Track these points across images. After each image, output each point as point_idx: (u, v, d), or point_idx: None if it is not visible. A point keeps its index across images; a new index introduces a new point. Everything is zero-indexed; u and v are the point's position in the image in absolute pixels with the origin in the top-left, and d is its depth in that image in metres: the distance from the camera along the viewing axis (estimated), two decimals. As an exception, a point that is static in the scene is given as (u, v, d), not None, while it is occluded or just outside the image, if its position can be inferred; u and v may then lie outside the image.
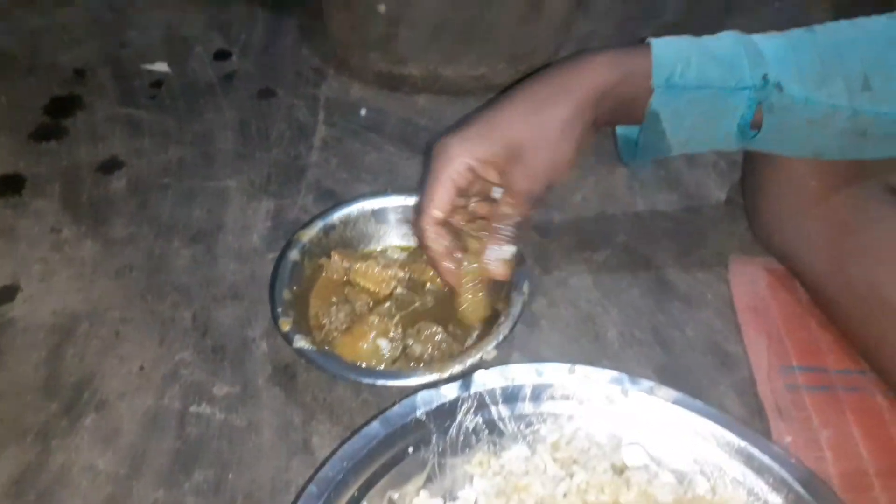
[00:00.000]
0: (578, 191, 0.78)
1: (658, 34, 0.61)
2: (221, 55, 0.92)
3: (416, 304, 0.65)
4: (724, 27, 1.01)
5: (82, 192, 0.76)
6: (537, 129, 0.57)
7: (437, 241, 0.59)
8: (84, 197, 0.75)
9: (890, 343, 0.61)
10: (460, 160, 0.57)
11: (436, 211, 0.58)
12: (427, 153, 0.63)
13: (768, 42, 0.60)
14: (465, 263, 0.60)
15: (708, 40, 0.60)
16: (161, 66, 0.90)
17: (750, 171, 0.71)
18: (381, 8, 0.82)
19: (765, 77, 0.58)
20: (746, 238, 0.73)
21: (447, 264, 0.60)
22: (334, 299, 0.64)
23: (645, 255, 0.73)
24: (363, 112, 0.85)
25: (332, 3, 0.87)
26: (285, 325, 0.59)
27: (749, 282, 0.71)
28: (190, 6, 0.99)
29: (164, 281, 0.68)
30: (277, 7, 0.99)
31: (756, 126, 0.60)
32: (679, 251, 0.73)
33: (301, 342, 0.58)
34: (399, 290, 0.66)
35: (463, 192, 0.58)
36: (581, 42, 0.96)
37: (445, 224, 0.59)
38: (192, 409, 0.59)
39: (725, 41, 0.60)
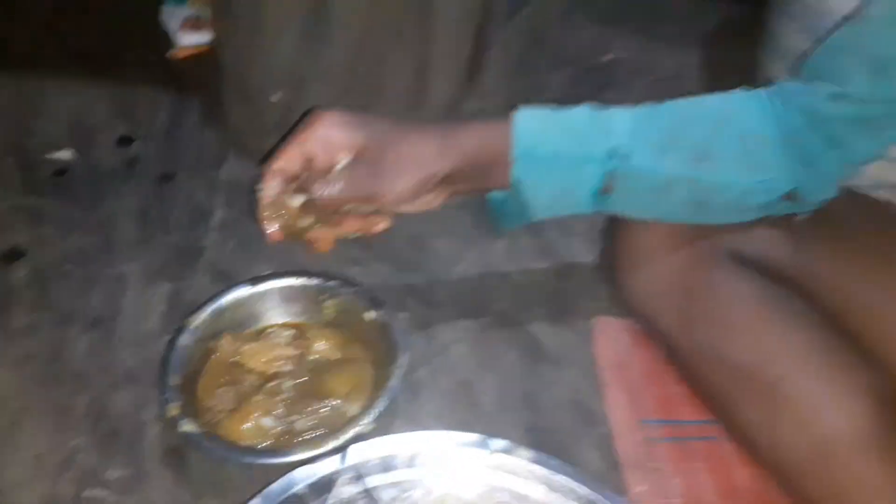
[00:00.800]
0: (461, 262, 0.84)
1: None
2: (125, 141, 0.97)
3: (304, 380, 0.70)
4: (603, 100, 1.09)
5: (-17, 283, 0.80)
6: (400, 146, 0.63)
7: (269, 188, 0.64)
8: (-14, 288, 0.79)
9: (732, 398, 0.67)
10: (322, 130, 0.63)
11: (280, 162, 0.63)
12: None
13: (619, 116, 0.66)
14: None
15: (565, 113, 0.66)
16: (65, 154, 0.94)
17: (612, 239, 0.78)
18: (276, 97, 0.87)
19: (613, 148, 0.64)
20: (612, 301, 0.79)
21: (267, 211, 0.64)
22: (222, 380, 0.68)
23: (519, 321, 0.79)
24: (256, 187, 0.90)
25: (231, 91, 0.93)
26: (173, 411, 0.64)
27: (612, 341, 0.77)
28: (94, 93, 1.04)
29: (61, 369, 0.72)
30: (180, 94, 1.04)
31: (608, 192, 0.66)
32: (551, 316, 0.80)
33: (187, 426, 0.63)
34: (287, 367, 0.70)
35: (310, 158, 0.63)
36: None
37: (289, 181, 0.64)
38: (86, 493, 0.63)
39: (580, 114, 0.66)
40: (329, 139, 0.63)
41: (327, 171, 0.64)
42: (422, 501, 0.61)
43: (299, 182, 0.65)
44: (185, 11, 1.11)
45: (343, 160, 0.63)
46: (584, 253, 0.86)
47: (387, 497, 0.61)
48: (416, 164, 0.63)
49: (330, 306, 0.74)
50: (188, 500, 0.63)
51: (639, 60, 1.17)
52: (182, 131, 0.99)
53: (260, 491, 0.58)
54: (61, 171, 0.93)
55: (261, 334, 0.73)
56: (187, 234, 0.86)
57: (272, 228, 0.65)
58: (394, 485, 0.62)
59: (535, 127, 0.65)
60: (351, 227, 0.67)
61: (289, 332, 0.73)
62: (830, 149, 0.63)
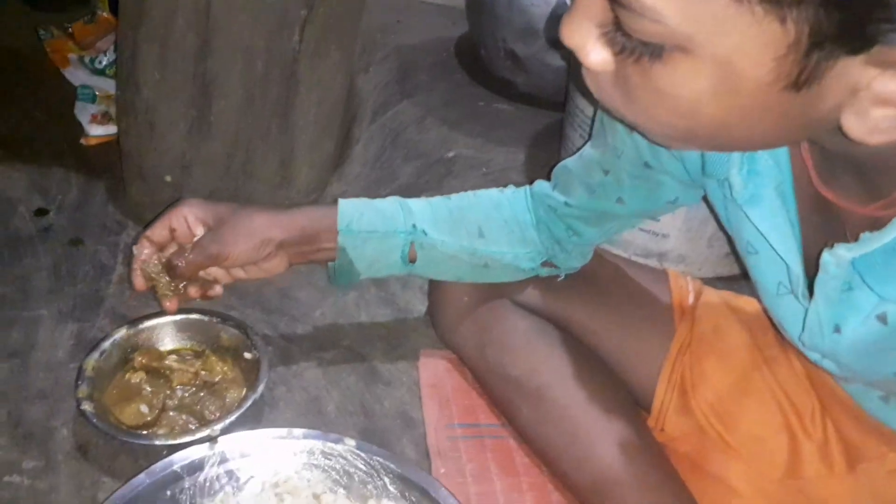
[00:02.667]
0: (318, 309, 1.06)
1: (394, 193, 0.92)
2: (41, 212, 1.15)
3: (192, 386, 0.89)
4: (444, 187, 1.36)
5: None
6: (239, 219, 0.85)
7: (141, 249, 0.86)
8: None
9: (513, 404, 0.90)
10: (182, 210, 0.85)
11: (150, 232, 0.85)
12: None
13: (419, 203, 0.91)
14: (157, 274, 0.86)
15: (377, 201, 0.90)
16: (-12, 222, 1.12)
17: (430, 291, 1.01)
18: (168, 178, 1.09)
19: (414, 225, 0.88)
20: (436, 339, 1.02)
21: (136, 266, 0.86)
22: (127, 377, 0.89)
23: (362, 353, 1.01)
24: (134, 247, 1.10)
25: (130, 172, 1.13)
26: (81, 392, 0.83)
27: (432, 367, 1.00)
28: (14, 173, 1.22)
29: (-15, 388, 0.89)
30: (88, 173, 1.23)
31: (413, 259, 0.90)
32: (387, 349, 1.02)
33: (86, 406, 0.82)
34: (182, 376, 0.90)
35: (173, 230, 0.85)
36: (333, 200, 1.26)
37: (157, 248, 0.86)
38: (5, 479, 0.80)
39: (389, 202, 0.90)
40: (187, 216, 0.85)
41: (187, 241, 0.86)
42: (270, 479, 0.81)
43: (166, 251, 0.87)
44: (95, 108, 1.31)
45: (199, 233, 0.85)
46: (419, 303, 1.09)
47: (244, 476, 0.81)
48: (251, 233, 0.85)
49: (220, 338, 0.94)
50: (88, 482, 0.81)
51: (475, 157, 1.43)
52: (90, 205, 1.18)
53: (145, 468, 0.78)
54: (-16, 236, 1.11)
55: (170, 353, 0.92)
56: (92, 286, 1.04)
57: (137, 279, 0.86)
58: (251, 466, 0.81)
59: (354, 209, 0.88)
60: (195, 294, 0.88)
61: (190, 355, 0.93)
62: (570, 235, 0.88)
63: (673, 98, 0.46)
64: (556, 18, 1.43)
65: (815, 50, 0.41)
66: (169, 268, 0.85)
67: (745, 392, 0.86)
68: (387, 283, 1.11)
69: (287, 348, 0.99)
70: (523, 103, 1.59)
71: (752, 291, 0.77)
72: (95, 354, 0.88)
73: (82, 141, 1.29)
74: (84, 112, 1.31)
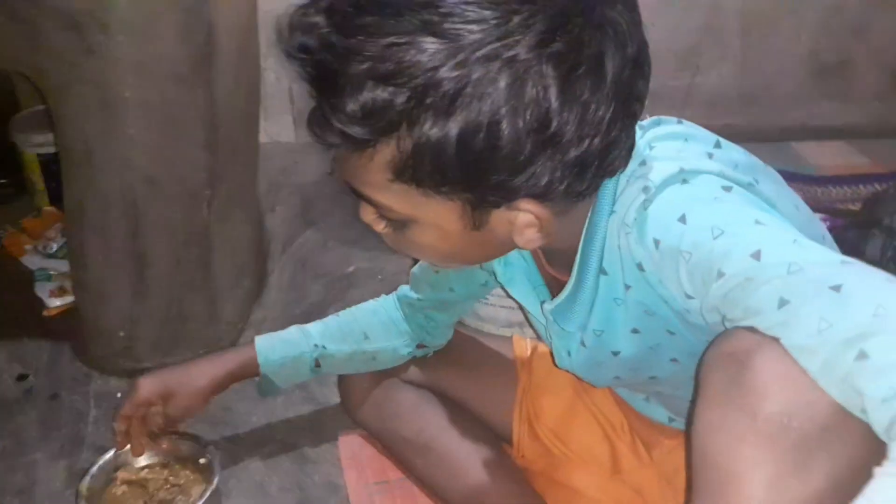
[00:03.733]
0: (254, 414, 1.34)
1: (307, 310, 1.21)
2: (22, 377, 1.43)
3: (162, 488, 1.16)
4: (348, 298, 1.63)
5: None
6: (186, 389, 1.14)
7: (119, 423, 1.13)
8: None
9: (412, 458, 1.19)
10: (139, 392, 1.12)
11: (123, 412, 1.12)
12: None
13: (316, 326, 1.21)
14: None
15: (284, 332, 1.20)
16: (-21, 392, 1.39)
17: (339, 385, 1.31)
18: (121, 333, 1.38)
19: (315, 344, 1.18)
20: (351, 422, 1.31)
21: (119, 437, 1.13)
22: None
23: (292, 442, 1.29)
24: (119, 395, 1.37)
25: (90, 332, 1.42)
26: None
27: (349, 444, 1.28)
28: (-5, 348, 1.50)
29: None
30: (55, 338, 1.50)
31: (319, 367, 1.19)
32: (313, 437, 1.31)
33: None
34: (155, 483, 1.17)
35: (139, 405, 1.13)
36: (256, 325, 1.55)
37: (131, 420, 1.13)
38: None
39: (293, 331, 1.20)
40: (144, 396, 1.12)
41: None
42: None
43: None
44: (52, 284, 1.60)
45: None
46: (334, 395, 1.37)
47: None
48: (198, 394, 1.16)
49: (180, 450, 1.20)
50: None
51: (372, 267, 1.74)
52: (60, 364, 1.45)
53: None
54: (-21, 403, 1.37)
55: (143, 468, 1.19)
56: (73, 429, 1.31)
57: (122, 441, 1.14)
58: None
59: (268, 345, 1.18)
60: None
61: (159, 466, 1.20)
62: (428, 321, 1.19)
63: (421, 245, 0.79)
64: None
65: (476, 209, 0.72)
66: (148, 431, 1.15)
67: (573, 416, 1.17)
68: (307, 385, 1.40)
69: (233, 449, 1.27)
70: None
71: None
72: (87, 479, 1.14)
73: (45, 313, 1.57)
74: (43, 289, 1.59)
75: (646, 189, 0.72)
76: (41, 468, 1.25)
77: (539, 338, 1.06)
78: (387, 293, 1.26)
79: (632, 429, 1.13)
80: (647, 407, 1.07)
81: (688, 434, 0.67)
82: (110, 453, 1.18)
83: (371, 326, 1.21)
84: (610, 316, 0.84)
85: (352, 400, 1.27)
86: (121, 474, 1.17)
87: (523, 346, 1.26)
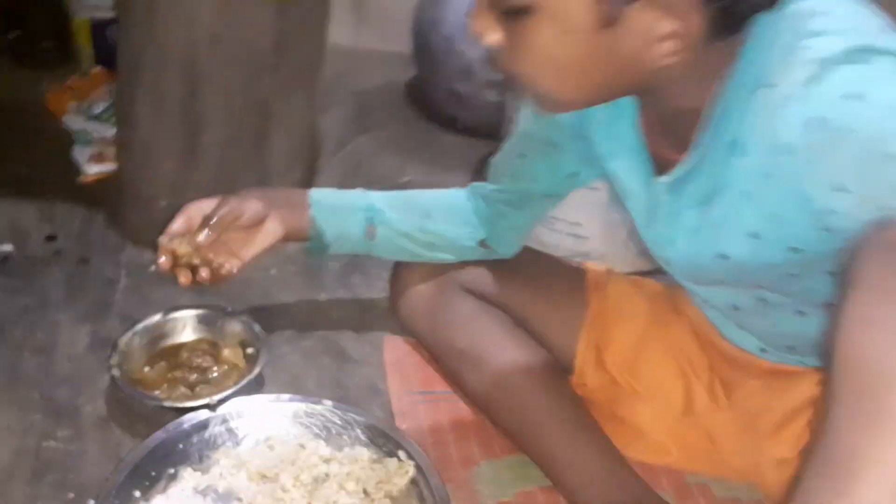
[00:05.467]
0: (295, 305, 1.25)
1: None
2: (51, 238, 1.34)
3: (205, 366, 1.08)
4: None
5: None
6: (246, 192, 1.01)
7: (171, 233, 0.97)
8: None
9: (460, 370, 1.09)
10: (192, 205, 0.99)
11: (170, 227, 0.97)
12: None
13: (376, 193, 1.09)
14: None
15: (342, 191, 1.09)
16: (6, 247, 1.30)
17: (390, 283, 1.20)
18: (163, 202, 1.28)
19: (370, 204, 1.07)
20: (396, 327, 1.21)
21: (166, 246, 0.96)
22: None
23: (334, 339, 1.20)
24: (152, 268, 1.28)
25: (128, 199, 1.32)
26: (113, 360, 1.01)
27: (395, 349, 1.19)
28: (25, 206, 1.40)
29: (20, 376, 1.07)
30: (89, 204, 1.42)
31: (372, 236, 1.08)
32: (356, 336, 1.21)
33: (115, 371, 1.00)
34: (197, 361, 1.08)
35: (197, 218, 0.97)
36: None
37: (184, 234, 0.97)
38: (44, 444, 0.98)
39: (353, 191, 1.09)
40: (200, 203, 0.99)
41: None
42: (263, 434, 0.99)
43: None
44: (92, 149, 1.51)
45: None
46: (382, 299, 1.28)
47: (241, 433, 0.99)
48: (256, 194, 1.00)
49: (226, 330, 1.12)
50: (112, 443, 0.99)
51: (427, 181, 1.62)
52: (92, 231, 1.36)
53: (164, 427, 0.96)
54: (5, 258, 1.28)
55: (186, 344, 1.11)
56: (101, 295, 1.23)
57: (164, 259, 0.96)
58: (246, 425, 1.00)
59: (321, 192, 1.06)
60: (210, 273, 0.96)
61: (207, 345, 1.11)
62: (499, 218, 1.09)
63: (536, 47, 0.69)
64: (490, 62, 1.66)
65: None
66: (204, 223, 0.96)
67: (647, 347, 1.06)
68: (354, 284, 1.31)
69: (270, 339, 1.17)
70: (465, 135, 1.81)
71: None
72: (129, 334, 1.06)
73: (81, 179, 1.48)
74: (82, 153, 1.50)
75: (817, 62, 0.63)
76: (64, 330, 1.16)
77: (638, 227, 0.93)
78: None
79: (711, 367, 1.03)
80: (737, 334, 0.96)
81: (828, 338, 0.57)
82: (156, 317, 1.10)
83: (436, 207, 1.10)
84: (734, 208, 0.75)
85: (403, 297, 1.16)
86: (161, 344, 1.09)
87: (597, 272, 1.15)
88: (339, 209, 1.06)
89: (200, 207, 1.00)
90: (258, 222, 1.00)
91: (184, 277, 0.98)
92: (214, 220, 0.96)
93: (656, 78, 0.71)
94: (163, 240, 0.97)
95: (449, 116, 1.83)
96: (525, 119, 1.00)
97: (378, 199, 1.08)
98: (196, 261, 0.96)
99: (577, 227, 1.36)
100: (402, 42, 1.97)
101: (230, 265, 0.98)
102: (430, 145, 1.79)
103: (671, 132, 0.79)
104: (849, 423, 0.54)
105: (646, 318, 1.08)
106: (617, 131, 0.85)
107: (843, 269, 0.59)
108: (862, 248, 0.58)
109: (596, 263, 1.30)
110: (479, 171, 1.70)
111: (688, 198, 0.78)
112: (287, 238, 1.03)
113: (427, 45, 1.78)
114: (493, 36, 0.71)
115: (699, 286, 0.93)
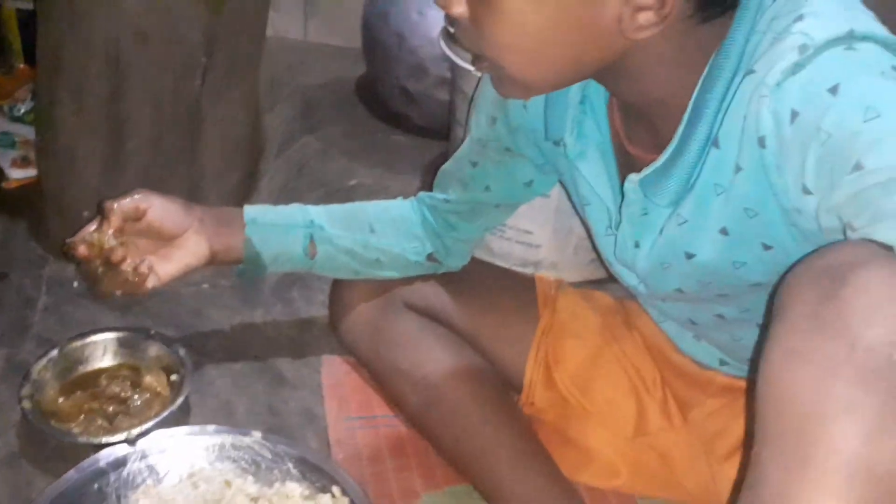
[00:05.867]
0: (228, 325, 1.18)
1: None
2: (-35, 249, 1.25)
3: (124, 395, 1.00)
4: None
5: None
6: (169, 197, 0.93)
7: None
8: None
9: (406, 395, 1.02)
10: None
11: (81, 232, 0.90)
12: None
13: (315, 207, 1.01)
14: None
15: (279, 206, 1.02)
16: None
17: (330, 299, 1.13)
18: (86, 213, 1.19)
19: (311, 220, 1.00)
20: (338, 346, 1.14)
21: (77, 242, 0.89)
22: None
23: (269, 361, 1.12)
24: (75, 285, 1.19)
25: (51, 209, 1.23)
26: (24, 392, 0.93)
27: (334, 370, 1.12)
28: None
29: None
30: (10, 213, 1.32)
31: (314, 253, 1.01)
32: (293, 357, 1.14)
33: (25, 404, 0.92)
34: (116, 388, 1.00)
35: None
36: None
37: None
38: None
39: (290, 206, 1.02)
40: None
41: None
42: (186, 471, 0.92)
43: None
44: (15, 153, 1.41)
45: None
46: (321, 315, 1.21)
47: (163, 469, 0.92)
48: (177, 200, 0.93)
49: (149, 354, 1.04)
50: (23, 483, 0.91)
51: (375, 184, 1.57)
52: (13, 242, 1.27)
53: (76, 465, 0.88)
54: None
55: (108, 369, 1.03)
56: (19, 315, 1.14)
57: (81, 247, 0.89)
58: (168, 460, 0.92)
59: (257, 209, 0.99)
60: (124, 280, 0.89)
61: (129, 370, 1.03)
62: (449, 230, 1.02)
63: (506, 16, 0.64)
64: (443, 58, 1.59)
65: None
66: (102, 213, 0.89)
67: (599, 364, 1.01)
68: (292, 299, 1.24)
69: (199, 361, 1.10)
70: (417, 135, 1.73)
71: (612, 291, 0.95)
72: (43, 361, 0.98)
73: (3, 185, 1.38)
74: (5, 157, 1.40)
75: (802, 48, 0.59)
76: (-25, 353, 1.07)
77: (594, 236, 0.89)
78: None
79: (666, 385, 0.98)
80: (695, 347, 0.92)
81: (755, 369, 0.52)
82: (71, 342, 1.02)
83: (380, 220, 1.03)
84: (703, 204, 0.70)
85: (343, 314, 1.08)
86: (78, 370, 1.01)
87: (547, 284, 1.09)
88: (277, 227, 0.99)
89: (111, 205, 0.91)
90: (175, 232, 0.93)
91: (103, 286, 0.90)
92: (115, 206, 0.89)
93: (631, 58, 0.66)
94: (72, 239, 0.90)
95: (399, 115, 1.75)
96: (477, 125, 0.94)
97: (318, 214, 1.01)
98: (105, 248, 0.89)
99: (528, 236, 1.29)
100: (353, 37, 1.90)
101: (145, 278, 0.90)
102: (380, 146, 1.72)
103: (643, 127, 0.74)
104: (776, 465, 0.49)
105: (597, 333, 1.03)
106: (584, 130, 0.80)
107: (773, 296, 0.54)
108: (793, 272, 0.53)
109: (547, 273, 1.25)
110: (429, 173, 1.63)
111: (660, 196, 0.73)
112: (214, 259, 0.95)
113: (377, 41, 1.70)
114: (458, 7, 0.67)
115: (655, 299, 0.88)
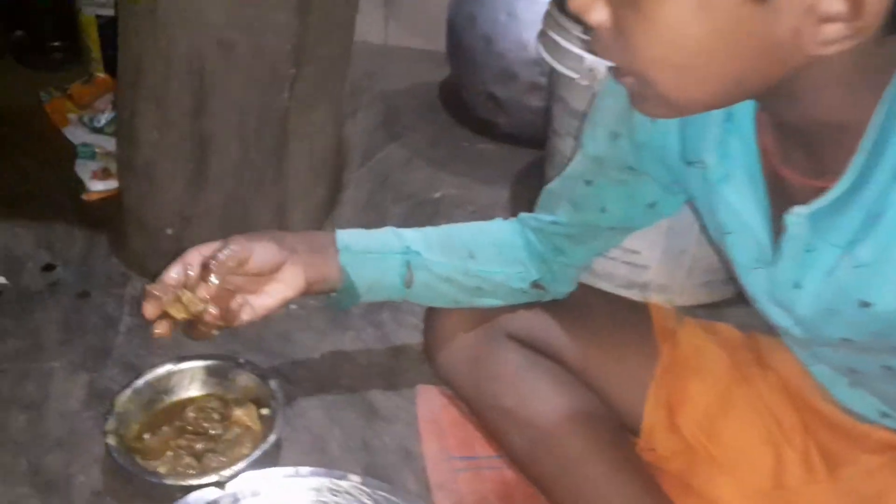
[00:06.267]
0: (317, 350, 1.11)
1: None
2: (48, 267, 1.20)
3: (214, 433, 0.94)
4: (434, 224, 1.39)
5: (-63, 379, 1.01)
6: (259, 232, 0.86)
7: (152, 287, 0.81)
8: (-61, 382, 1.00)
9: (510, 435, 0.94)
10: (193, 249, 0.84)
11: (165, 275, 0.82)
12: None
13: (410, 231, 0.94)
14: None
15: (372, 230, 0.94)
16: (0, 280, 1.17)
17: (425, 326, 1.06)
18: (169, 231, 1.14)
19: (407, 246, 0.92)
20: (431, 374, 1.06)
21: (148, 300, 0.81)
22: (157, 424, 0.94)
23: (361, 391, 1.05)
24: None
25: (132, 225, 1.18)
26: (109, 425, 0.88)
27: (429, 402, 1.04)
28: (21, 230, 1.26)
29: (5, 439, 0.94)
30: (91, 227, 1.28)
31: (410, 281, 0.94)
32: (385, 386, 1.06)
33: (111, 439, 0.87)
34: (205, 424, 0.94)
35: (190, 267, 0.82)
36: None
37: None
38: (29, 526, 0.84)
39: (383, 229, 0.94)
40: (200, 249, 0.84)
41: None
42: (282, 517, 0.86)
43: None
44: (95, 164, 1.36)
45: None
46: (413, 340, 1.13)
47: (256, 515, 0.86)
48: (271, 236, 0.86)
49: (238, 384, 0.98)
50: (106, 526, 0.86)
51: (462, 196, 1.49)
52: (94, 258, 1.23)
53: (165, 509, 0.82)
54: (-1, 292, 1.15)
55: (194, 401, 0.97)
56: (101, 337, 1.09)
57: (150, 306, 0.80)
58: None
59: (349, 234, 0.91)
60: (214, 317, 0.81)
61: (217, 402, 0.97)
62: (557, 254, 0.94)
63: (662, 25, 0.54)
64: (534, 63, 1.50)
65: None
66: (203, 270, 0.82)
67: (729, 407, 0.90)
68: (383, 322, 1.16)
69: (290, 390, 1.03)
70: (505, 143, 1.65)
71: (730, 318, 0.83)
72: (127, 392, 0.93)
73: (84, 196, 1.34)
74: (85, 169, 1.36)
75: None
76: (57, 380, 1.02)
77: (736, 269, 0.78)
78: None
79: (809, 432, 0.87)
80: (850, 396, 0.81)
81: None
82: (157, 370, 0.97)
83: (480, 245, 0.95)
84: (888, 247, 0.60)
85: (441, 350, 1.01)
86: (163, 401, 0.96)
87: (664, 314, 1.00)
88: (372, 255, 0.91)
89: (198, 253, 0.85)
90: (272, 269, 0.86)
91: (160, 328, 0.82)
92: (215, 264, 0.82)
93: (803, 76, 0.56)
94: (155, 290, 0.81)
95: (486, 122, 1.67)
96: (594, 141, 0.85)
97: (414, 239, 0.93)
98: (194, 313, 0.81)
99: (635, 256, 1.20)
100: (435, 39, 1.82)
101: (239, 312, 0.84)
102: (466, 154, 1.63)
103: (802, 149, 0.64)
104: None
105: (726, 372, 0.93)
106: (729, 151, 0.71)
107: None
108: None
109: (654, 297, 1.16)
110: (519, 183, 1.54)
111: (834, 234, 0.63)
112: (309, 290, 0.88)
113: (462, 44, 1.62)
114: (599, 13, 0.57)
115: (815, 347, 0.77)
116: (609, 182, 0.85)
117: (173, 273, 0.84)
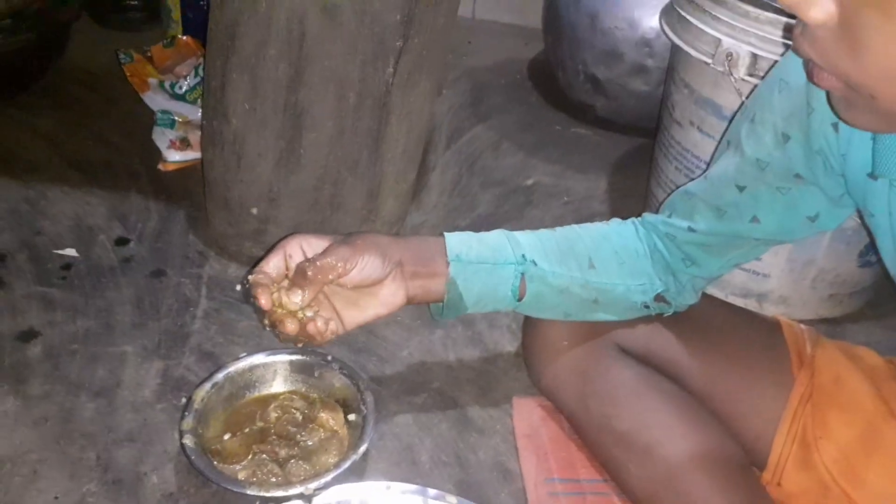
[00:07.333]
0: (405, 349, 1.02)
1: (474, 223, 0.86)
2: (121, 241, 1.13)
3: (299, 438, 0.86)
4: (525, 217, 1.31)
5: (4, 357, 0.94)
6: (362, 236, 0.79)
7: (259, 278, 0.77)
8: (5, 361, 0.94)
9: (619, 459, 0.85)
10: (295, 238, 0.79)
11: (264, 265, 0.78)
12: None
13: (524, 235, 0.86)
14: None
15: (483, 234, 0.86)
16: (70, 252, 1.10)
17: (525, 333, 0.97)
18: (254, 210, 1.06)
19: (523, 255, 0.84)
20: (527, 382, 0.97)
21: (261, 290, 0.76)
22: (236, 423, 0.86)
23: (452, 397, 0.96)
24: (238, 288, 1.06)
25: (214, 202, 1.11)
26: (186, 424, 0.81)
27: (526, 415, 0.95)
28: (94, 199, 1.20)
29: (73, 429, 0.86)
30: (168, 200, 1.21)
31: (523, 293, 0.85)
32: (478, 394, 0.97)
33: (187, 440, 0.80)
34: (291, 427, 0.86)
35: (291, 259, 0.78)
36: (414, 230, 1.23)
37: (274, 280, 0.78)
38: (97, 528, 0.77)
39: (494, 234, 0.86)
40: (302, 243, 0.79)
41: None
42: (371, 537, 0.78)
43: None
44: (174, 133, 1.29)
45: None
46: (507, 343, 1.05)
47: (344, 531, 0.77)
48: (376, 245, 0.79)
49: (325, 383, 0.91)
50: (181, 534, 0.78)
51: (555, 184, 1.39)
52: (170, 235, 1.16)
53: (244, 523, 0.74)
54: (67, 265, 1.08)
55: (277, 398, 0.89)
56: (177, 321, 1.02)
57: (264, 298, 0.76)
58: (350, 522, 0.78)
59: (460, 241, 0.83)
60: (312, 330, 0.78)
61: (302, 401, 0.89)
62: (688, 265, 0.84)
63: (877, 47, 0.45)
64: (643, 43, 1.38)
65: None
66: (298, 275, 0.77)
67: (873, 446, 0.80)
68: (473, 321, 1.07)
69: (377, 391, 0.95)
70: (601, 128, 1.54)
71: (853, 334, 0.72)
72: (206, 386, 0.86)
73: (160, 167, 1.27)
74: (162, 137, 1.29)
75: None
76: (129, 366, 0.95)
77: None
78: (575, 221, 0.91)
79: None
80: None
81: None
82: (236, 365, 0.89)
83: (600, 252, 0.86)
84: None
85: (542, 359, 0.92)
86: (245, 396, 0.89)
87: (799, 334, 0.89)
88: (485, 265, 0.83)
89: (300, 246, 0.78)
90: (373, 284, 0.79)
91: (288, 328, 0.77)
92: (311, 273, 0.76)
93: None
94: (256, 279, 0.77)
95: (582, 105, 1.56)
96: (757, 142, 0.75)
97: (530, 246, 0.84)
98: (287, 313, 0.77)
99: (756, 263, 1.09)
100: (524, 13, 1.71)
101: (329, 325, 0.79)
102: (559, 139, 1.53)
103: None
104: None
105: (871, 403, 0.82)
106: None
107: None
108: None
109: (774, 308, 1.06)
110: (618, 173, 1.44)
111: None
112: (408, 303, 0.81)
113: (563, 21, 1.51)
114: (824, 9, 0.48)
115: None
116: (768, 189, 0.74)
117: (272, 264, 0.78)
